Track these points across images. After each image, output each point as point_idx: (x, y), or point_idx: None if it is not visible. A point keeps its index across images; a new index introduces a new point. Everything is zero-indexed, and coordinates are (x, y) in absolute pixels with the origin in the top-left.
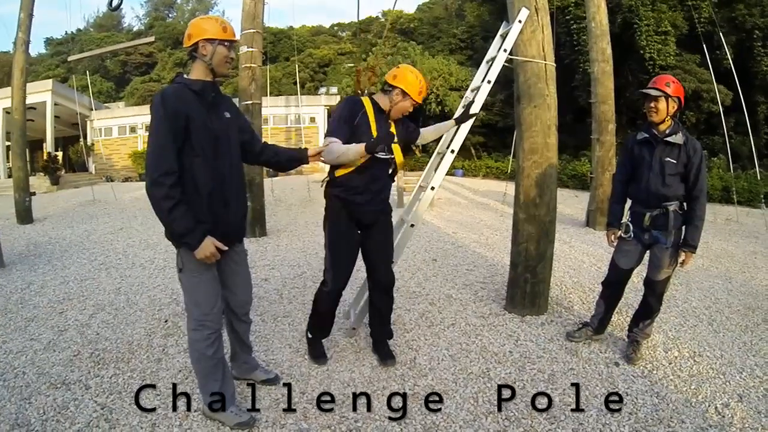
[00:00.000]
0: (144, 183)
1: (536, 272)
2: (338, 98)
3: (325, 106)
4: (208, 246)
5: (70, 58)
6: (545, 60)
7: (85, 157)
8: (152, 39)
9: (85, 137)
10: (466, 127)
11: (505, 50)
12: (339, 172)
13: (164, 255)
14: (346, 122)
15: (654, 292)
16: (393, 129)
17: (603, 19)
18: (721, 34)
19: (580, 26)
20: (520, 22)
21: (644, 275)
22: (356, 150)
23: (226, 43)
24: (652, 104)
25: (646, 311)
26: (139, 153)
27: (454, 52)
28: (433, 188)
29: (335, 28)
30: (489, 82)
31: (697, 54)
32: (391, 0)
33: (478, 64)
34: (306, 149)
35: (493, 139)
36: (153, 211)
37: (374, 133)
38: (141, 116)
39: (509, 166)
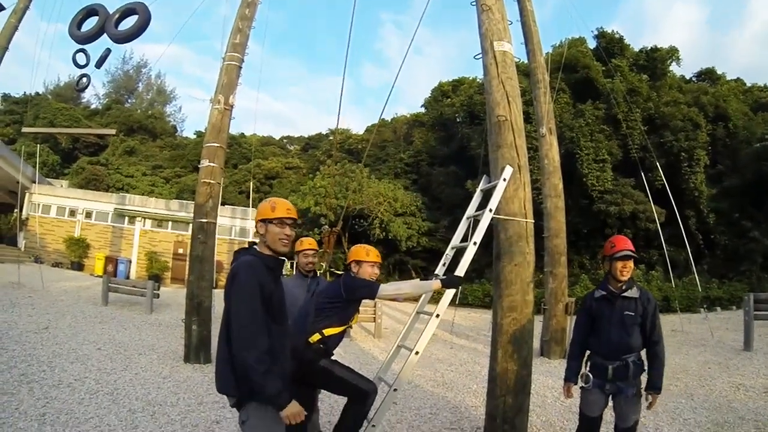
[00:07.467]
0: (73, 272)
1: (515, 424)
2: None
3: None
4: (295, 405)
5: (24, 130)
6: (526, 218)
7: (17, 230)
8: (113, 132)
9: (21, 209)
10: (450, 292)
11: (490, 210)
12: (328, 332)
13: (96, 374)
14: None
15: None
16: None
17: (555, 156)
18: (655, 157)
19: (528, 156)
20: (504, 180)
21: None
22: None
23: (275, 221)
24: (625, 264)
25: None
26: (74, 239)
27: (399, 176)
28: (417, 353)
29: (284, 140)
30: (475, 243)
31: (631, 177)
32: (340, 118)
33: (422, 189)
34: None
35: (435, 263)
36: (83, 311)
37: None
38: (83, 201)
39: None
